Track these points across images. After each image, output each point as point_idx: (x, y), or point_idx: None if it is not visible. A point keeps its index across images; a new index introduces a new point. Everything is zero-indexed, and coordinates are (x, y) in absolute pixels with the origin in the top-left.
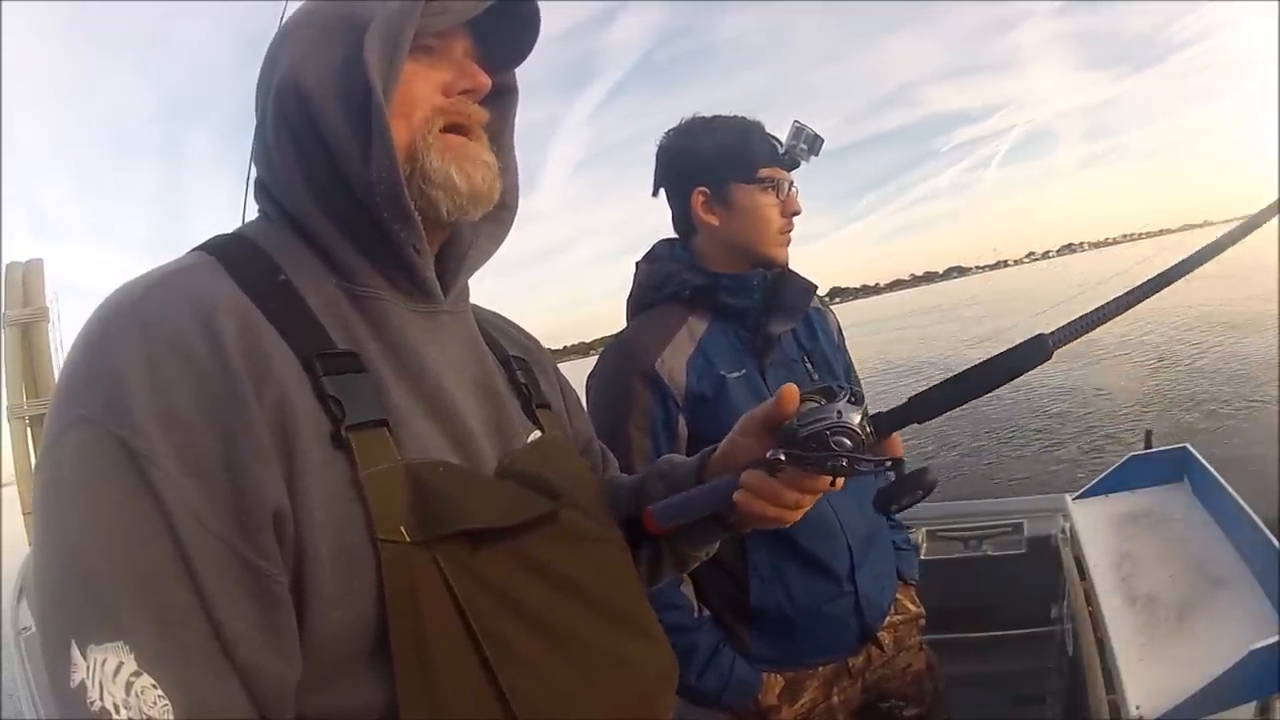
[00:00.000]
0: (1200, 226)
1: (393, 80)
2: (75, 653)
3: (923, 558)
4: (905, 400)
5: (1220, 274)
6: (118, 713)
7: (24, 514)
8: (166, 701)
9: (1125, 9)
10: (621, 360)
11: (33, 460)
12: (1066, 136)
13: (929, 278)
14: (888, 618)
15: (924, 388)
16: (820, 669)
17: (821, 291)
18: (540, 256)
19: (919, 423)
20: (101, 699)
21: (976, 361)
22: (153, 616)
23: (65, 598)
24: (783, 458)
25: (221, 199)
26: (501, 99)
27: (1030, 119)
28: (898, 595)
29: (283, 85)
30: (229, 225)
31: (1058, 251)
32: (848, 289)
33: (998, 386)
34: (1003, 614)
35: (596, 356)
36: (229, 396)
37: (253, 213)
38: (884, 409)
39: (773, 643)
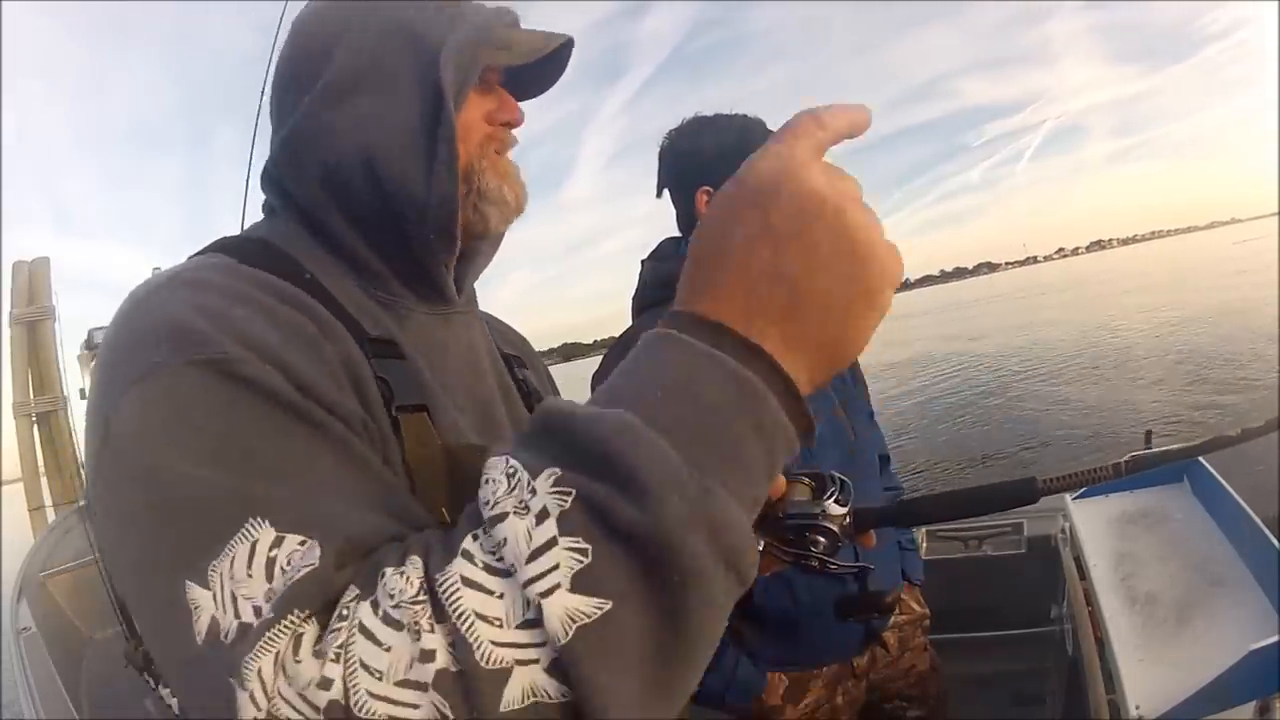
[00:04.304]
0: (1228, 224)
1: (460, 106)
2: (191, 591)
3: (923, 558)
4: (895, 504)
5: (1220, 273)
6: (261, 612)
7: (30, 509)
8: (314, 542)
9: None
10: None
11: (39, 457)
12: (1097, 131)
13: (959, 273)
14: (892, 618)
15: None
16: (824, 669)
17: None
18: (574, 249)
19: (899, 527)
20: (238, 614)
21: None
22: (288, 488)
23: (166, 535)
24: (761, 546)
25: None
26: None
27: (1061, 113)
28: (903, 595)
29: (334, 88)
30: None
31: (1087, 248)
32: None
33: (980, 514)
34: (1003, 614)
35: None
36: (301, 334)
37: (255, 205)
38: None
39: (777, 642)
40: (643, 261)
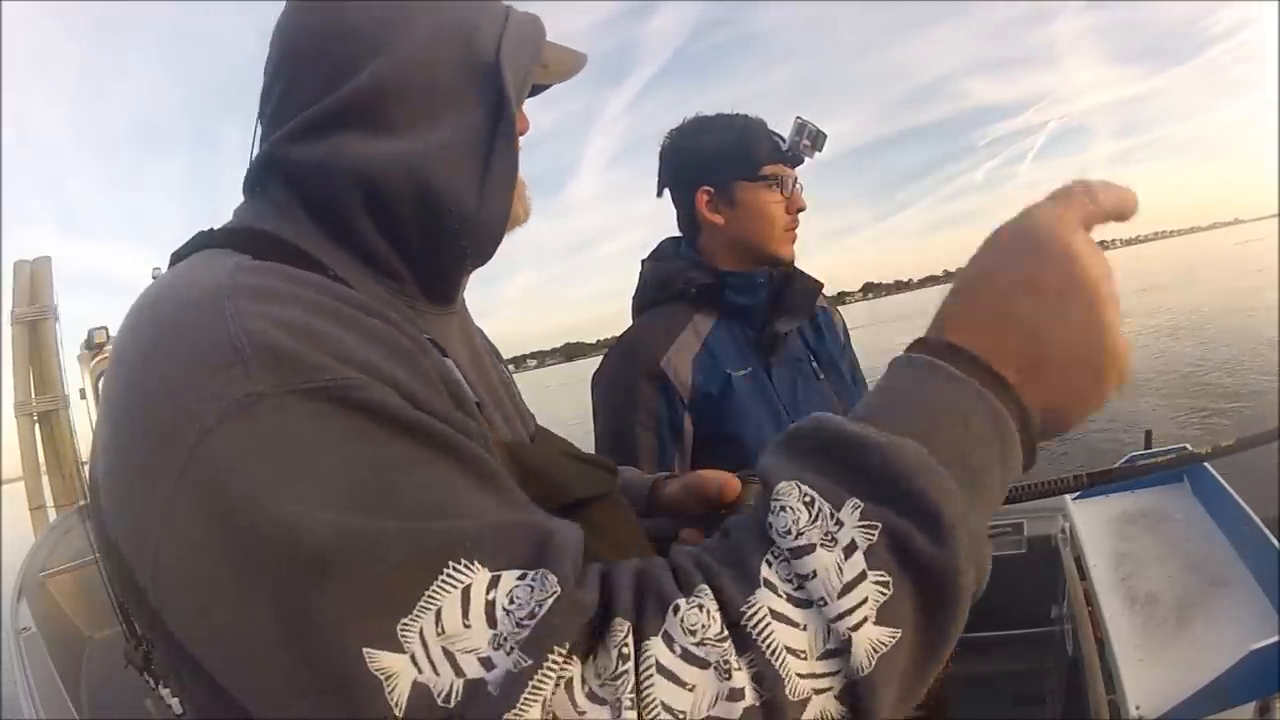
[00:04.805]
0: (1230, 224)
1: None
2: (377, 660)
3: None
4: None
5: (1219, 273)
6: (493, 662)
7: (30, 509)
8: (541, 570)
9: (1159, 2)
10: (627, 359)
11: (40, 456)
12: (1100, 132)
13: None
14: None
15: None
16: None
17: (855, 287)
18: (576, 249)
19: None
20: (459, 671)
21: None
22: (470, 520)
23: (322, 602)
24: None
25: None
26: None
27: (1065, 114)
28: None
29: (381, 85)
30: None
31: None
32: (881, 285)
33: None
34: (1003, 614)
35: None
36: (394, 346)
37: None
38: None
39: None
40: (643, 261)
